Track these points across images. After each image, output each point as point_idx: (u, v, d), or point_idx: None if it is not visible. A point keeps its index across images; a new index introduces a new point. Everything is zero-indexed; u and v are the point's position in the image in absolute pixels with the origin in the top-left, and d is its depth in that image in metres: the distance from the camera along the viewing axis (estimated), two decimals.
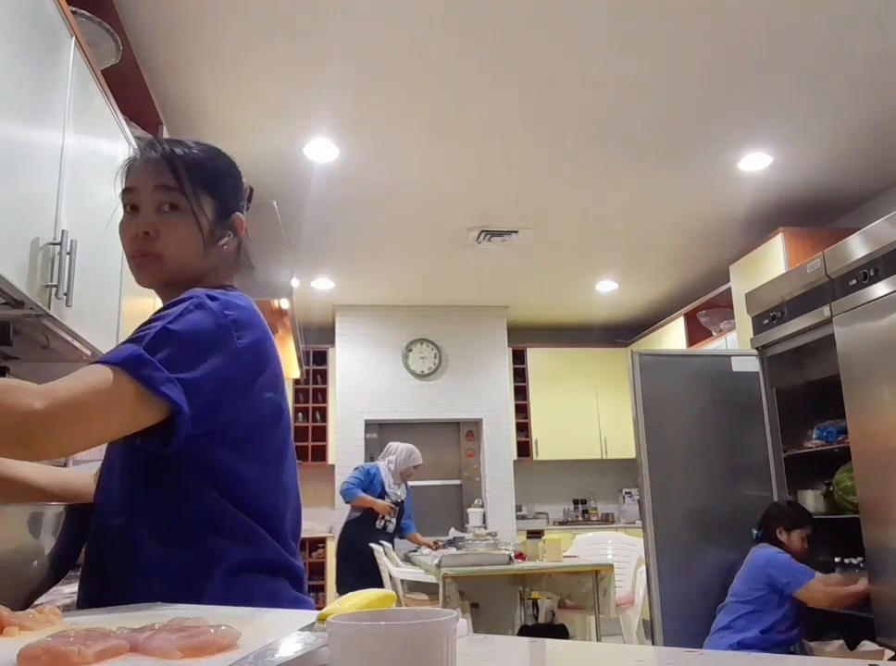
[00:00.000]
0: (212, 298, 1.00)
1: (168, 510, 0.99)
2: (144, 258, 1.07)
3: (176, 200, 1.07)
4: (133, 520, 0.98)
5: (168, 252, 1.07)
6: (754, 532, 3.45)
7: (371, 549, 4.84)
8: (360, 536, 4.99)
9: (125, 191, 1.09)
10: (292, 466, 1.10)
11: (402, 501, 5.22)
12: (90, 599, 0.99)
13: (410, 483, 5.40)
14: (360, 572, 4.83)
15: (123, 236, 1.09)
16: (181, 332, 0.94)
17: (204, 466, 0.99)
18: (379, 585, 4.59)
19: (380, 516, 5.05)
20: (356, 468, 5.36)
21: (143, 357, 0.90)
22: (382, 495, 5.09)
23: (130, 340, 0.94)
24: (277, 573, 1.03)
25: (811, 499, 3.74)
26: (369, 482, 5.11)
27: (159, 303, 1.14)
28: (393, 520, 5.13)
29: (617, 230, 5.11)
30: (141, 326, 0.97)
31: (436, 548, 4.90)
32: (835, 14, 2.90)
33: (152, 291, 1.15)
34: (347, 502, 5.16)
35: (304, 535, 6.78)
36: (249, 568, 1.00)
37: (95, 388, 0.87)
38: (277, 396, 1.06)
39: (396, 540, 5.31)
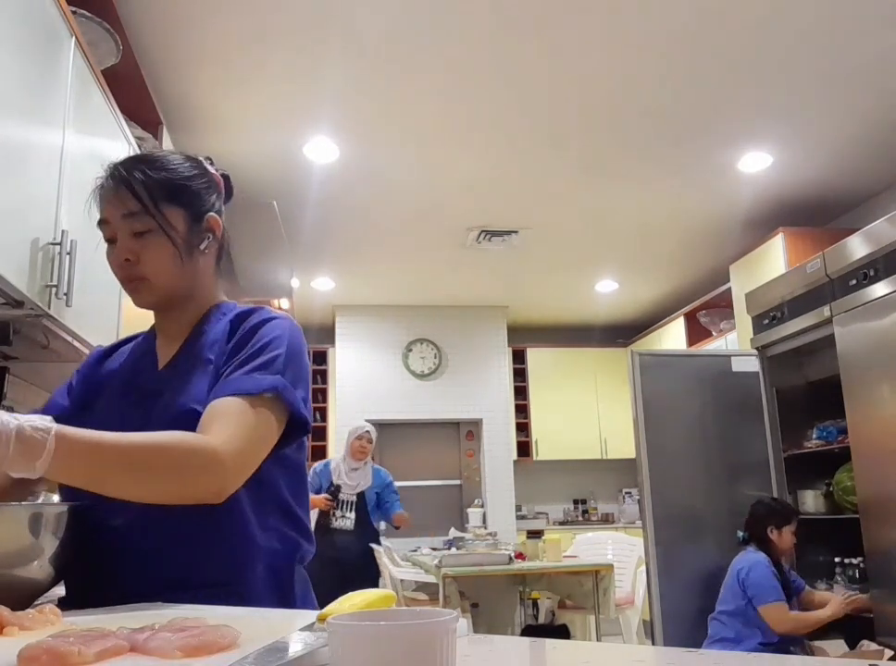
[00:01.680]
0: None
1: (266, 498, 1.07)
2: (133, 283, 1.11)
3: (145, 223, 1.08)
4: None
5: (151, 274, 1.10)
6: (739, 534, 3.33)
7: (333, 557, 4.15)
8: (320, 543, 4.48)
9: (100, 224, 1.11)
10: None
11: (361, 492, 4.50)
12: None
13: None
14: (331, 584, 4.44)
15: (111, 266, 1.12)
16: (294, 355, 1.07)
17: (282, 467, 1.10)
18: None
19: (331, 513, 4.40)
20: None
21: (287, 385, 1.02)
22: (334, 490, 4.44)
23: (255, 369, 1.03)
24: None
25: (811, 499, 3.74)
26: (319, 482, 4.58)
27: None
28: (349, 514, 4.41)
29: (617, 230, 5.11)
30: (247, 351, 1.06)
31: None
32: (835, 14, 2.90)
33: None
34: None
35: None
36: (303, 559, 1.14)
37: (262, 426, 1.00)
38: None
39: (384, 533, 4.87)
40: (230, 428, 0.96)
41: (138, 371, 1.15)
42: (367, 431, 4.57)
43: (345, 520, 4.41)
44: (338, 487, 4.45)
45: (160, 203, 1.09)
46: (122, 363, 1.19)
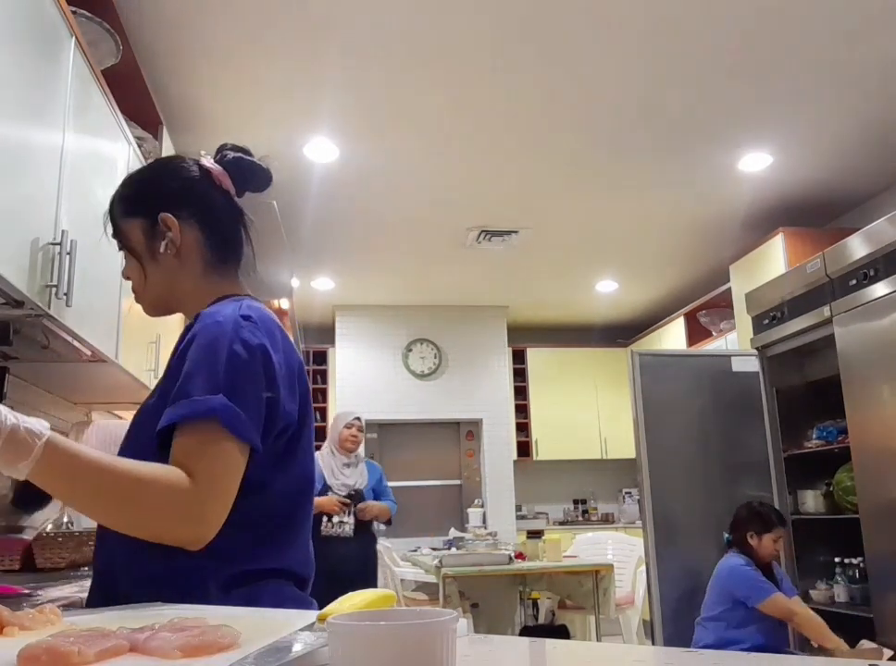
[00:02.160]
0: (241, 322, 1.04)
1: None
2: (136, 298, 1.17)
3: (120, 244, 1.15)
4: None
5: (137, 290, 1.15)
6: (725, 536, 3.27)
7: (330, 570, 3.13)
8: (317, 559, 3.32)
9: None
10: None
11: (358, 489, 3.89)
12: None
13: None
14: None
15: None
16: (231, 365, 0.99)
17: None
18: None
19: (328, 518, 3.75)
20: None
21: (228, 407, 0.95)
22: (325, 491, 3.78)
23: (199, 387, 0.95)
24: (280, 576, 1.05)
25: (811, 499, 3.74)
26: None
27: None
28: (347, 519, 3.78)
29: (617, 230, 5.11)
30: (189, 365, 0.99)
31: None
32: (835, 14, 2.90)
33: None
34: None
35: None
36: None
37: (235, 460, 0.95)
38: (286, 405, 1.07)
39: (381, 534, 4.43)
40: (205, 469, 0.92)
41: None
42: (358, 417, 3.93)
43: (343, 526, 3.76)
44: (329, 488, 3.82)
45: (119, 220, 1.14)
46: None
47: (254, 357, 0.99)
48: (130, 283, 1.16)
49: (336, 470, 3.86)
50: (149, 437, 0.97)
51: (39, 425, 0.86)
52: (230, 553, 0.97)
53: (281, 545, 1.04)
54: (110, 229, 1.14)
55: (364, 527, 3.85)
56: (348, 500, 3.75)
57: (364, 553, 3.86)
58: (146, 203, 1.13)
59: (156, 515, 0.91)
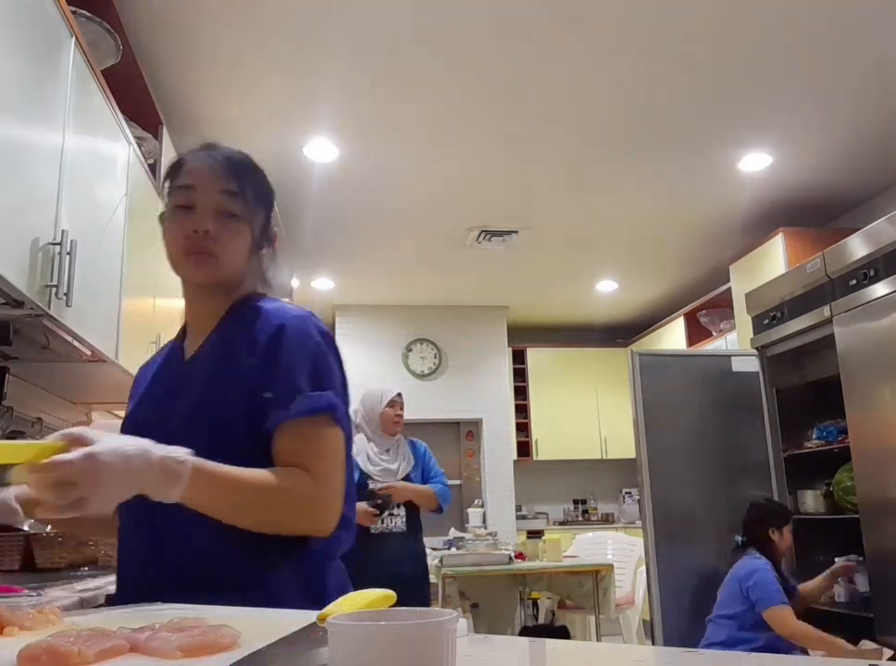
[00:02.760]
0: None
1: None
2: (201, 256, 1.11)
3: (238, 207, 1.12)
4: None
5: (223, 254, 1.11)
6: (737, 539, 3.26)
7: (380, 570, 2.57)
8: (360, 555, 2.55)
9: (182, 188, 1.12)
10: None
11: (384, 496, 3.16)
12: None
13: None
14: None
15: (173, 231, 1.12)
16: (325, 362, 1.12)
17: None
18: None
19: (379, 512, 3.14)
20: None
21: (336, 403, 1.07)
22: (364, 483, 3.15)
23: (308, 386, 1.06)
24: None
25: (811, 499, 3.73)
26: None
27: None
28: (397, 510, 3.20)
29: (617, 230, 5.11)
30: (287, 364, 1.07)
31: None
32: (835, 14, 2.90)
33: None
34: None
35: None
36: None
37: (340, 450, 1.08)
38: None
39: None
40: (325, 466, 1.05)
41: (166, 367, 1.19)
42: (399, 393, 3.41)
43: (394, 519, 3.19)
44: (370, 479, 3.21)
45: (252, 198, 1.14)
46: (156, 363, 1.23)
47: (333, 352, 1.13)
48: (195, 242, 1.10)
49: (373, 455, 3.25)
50: (227, 431, 1.04)
51: (178, 451, 0.93)
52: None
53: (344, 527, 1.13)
54: (234, 186, 1.12)
55: (415, 520, 3.26)
56: (377, 511, 3.09)
57: (418, 549, 3.27)
58: (271, 209, 1.22)
59: (293, 517, 1.02)
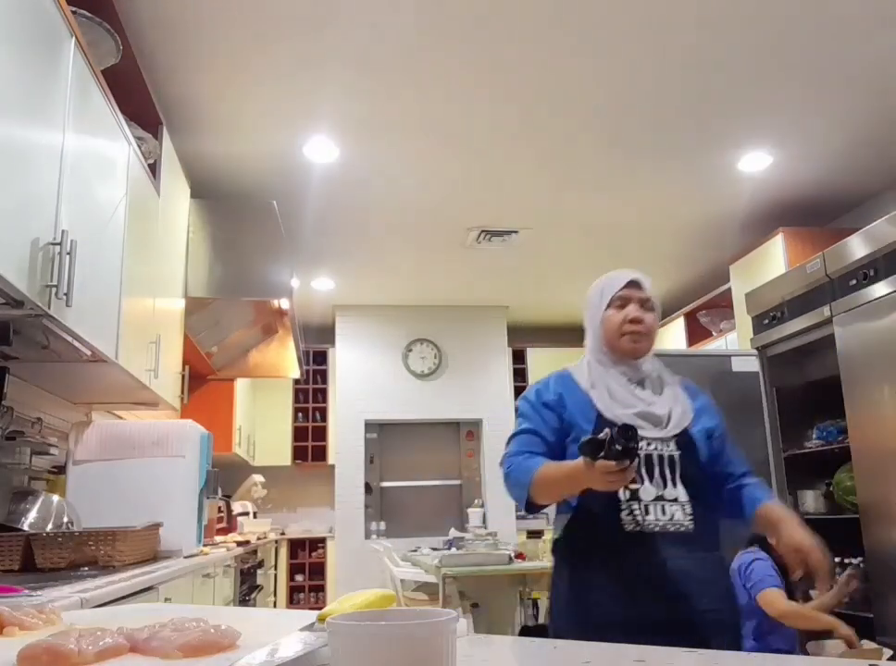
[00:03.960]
0: None
1: None
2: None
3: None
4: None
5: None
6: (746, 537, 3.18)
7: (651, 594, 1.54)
8: (609, 561, 1.63)
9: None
10: None
11: (683, 431, 1.72)
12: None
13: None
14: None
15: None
16: None
17: None
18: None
19: (629, 496, 1.64)
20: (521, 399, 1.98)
21: None
22: (599, 422, 1.68)
23: None
24: None
25: (811, 499, 3.73)
26: (555, 418, 1.83)
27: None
28: (678, 490, 1.64)
29: (617, 230, 5.11)
30: None
31: None
32: (835, 14, 2.90)
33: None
34: (517, 500, 1.89)
35: (303, 535, 6.81)
36: None
37: None
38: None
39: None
40: None
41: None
42: (634, 280, 1.83)
43: (673, 510, 1.65)
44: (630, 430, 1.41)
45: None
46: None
47: None
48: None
49: (618, 391, 1.79)
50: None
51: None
52: None
53: None
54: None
55: (691, 480, 1.68)
56: (627, 461, 1.37)
57: (712, 557, 1.66)
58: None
59: None
